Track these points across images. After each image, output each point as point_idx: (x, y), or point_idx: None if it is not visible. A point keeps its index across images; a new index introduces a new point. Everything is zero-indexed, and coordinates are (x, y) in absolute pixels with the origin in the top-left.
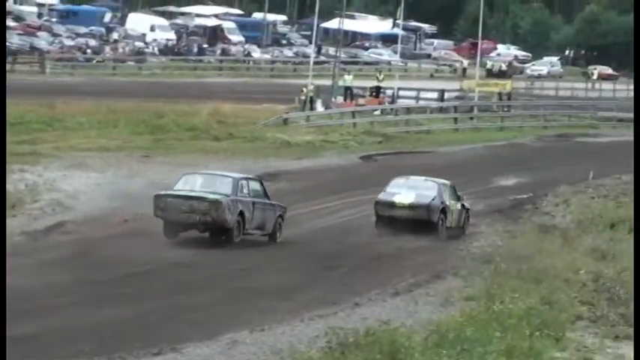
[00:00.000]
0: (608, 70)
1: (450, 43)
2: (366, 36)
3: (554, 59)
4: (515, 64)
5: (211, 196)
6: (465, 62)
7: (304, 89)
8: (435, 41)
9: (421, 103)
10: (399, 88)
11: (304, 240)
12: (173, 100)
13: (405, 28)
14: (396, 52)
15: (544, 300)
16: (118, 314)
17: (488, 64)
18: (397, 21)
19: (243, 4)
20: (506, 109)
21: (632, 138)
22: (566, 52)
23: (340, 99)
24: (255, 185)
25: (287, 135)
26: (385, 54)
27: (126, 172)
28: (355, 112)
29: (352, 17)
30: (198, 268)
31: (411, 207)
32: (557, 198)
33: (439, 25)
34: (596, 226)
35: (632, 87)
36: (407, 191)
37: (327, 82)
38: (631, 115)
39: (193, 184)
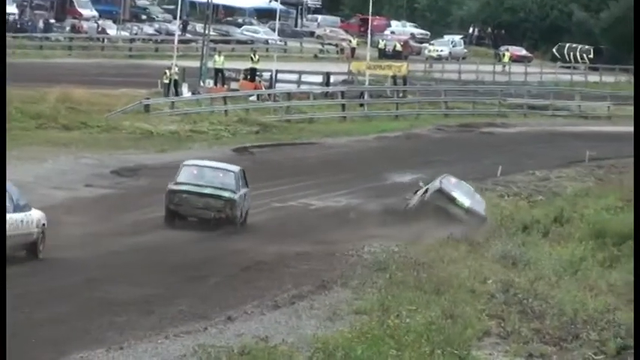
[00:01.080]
0: (521, 52)
1: (337, 19)
2: (239, 11)
3: (457, 38)
4: (412, 43)
5: (226, 195)
6: (354, 41)
7: (168, 72)
8: (319, 17)
9: (303, 87)
10: (278, 71)
11: (169, 245)
12: (16, 84)
13: (284, 2)
14: (274, 30)
15: (447, 313)
16: None
17: (381, 44)
18: None
19: None
20: (401, 95)
21: (546, 128)
22: (470, 30)
23: (210, 83)
24: (243, 175)
25: (149, 124)
26: (261, 31)
27: None
28: (227, 98)
29: None
30: (44, 278)
31: (468, 211)
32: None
33: None
34: (507, 229)
35: (546, 70)
36: (461, 193)
37: (195, 63)
38: (545, 102)
39: (199, 177)
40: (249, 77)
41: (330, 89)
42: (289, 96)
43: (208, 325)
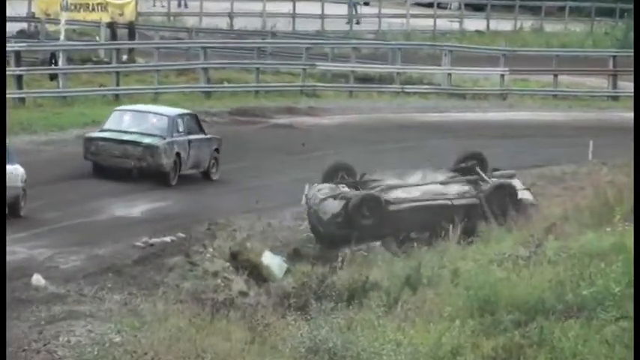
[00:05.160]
0: None
1: None
2: None
3: None
4: None
5: (146, 141)
6: None
7: None
8: None
9: None
10: None
11: None
12: None
13: None
14: None
15: None
16: None
17: None
18: None
19: None
20: (125, 59)
21: (390, 115)
22: None
23: None
24: (191, 121)
25: None
26: None
27: None
28: None
29: None
30: None
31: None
32: (234, 241)
33: None
34: (319, 298)
35: (389, 10)
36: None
37: None
38: (388, 69)
39: (126, 122)
40: None
41: None
42: None
43: None
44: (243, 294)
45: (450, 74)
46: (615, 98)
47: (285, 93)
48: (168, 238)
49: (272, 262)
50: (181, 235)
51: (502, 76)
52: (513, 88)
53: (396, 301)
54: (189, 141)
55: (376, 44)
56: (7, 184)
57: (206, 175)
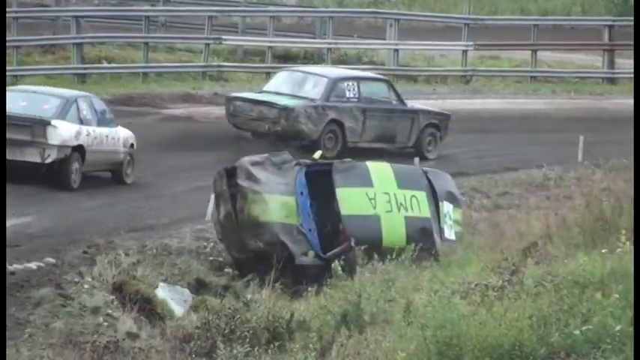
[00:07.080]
0: None
1: None
2: None
3: None
4: None
5: (283, 102)
6: None
7: None
8: None
9: None
10: None
11: None
12: None
13: None
14: None
15: None
16: None
17: None
18: None
19: None
20: None
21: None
22: None
23: None
24: (373, 87)
25: None
26: None
27: None
28: None
29: None
30: None
31: None
32: (119, 268)
33: None
34: (230, 341)
35: None
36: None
37: None
38: (315, 44)
39: (284, 84)
40: None
41: None
42: None
43: None
44: (132, 336)
45: (396, 50)
46: (612, 81)
47: (183, 76)
48: (33, 265)
49: (169, 295)
50: (50, 260)
51: (464, 52)
52: (479, 68)
53: (329, 344)
54: (364, 109)
55: (300, 12)
56: (102, 148)
57: (420, 152)
